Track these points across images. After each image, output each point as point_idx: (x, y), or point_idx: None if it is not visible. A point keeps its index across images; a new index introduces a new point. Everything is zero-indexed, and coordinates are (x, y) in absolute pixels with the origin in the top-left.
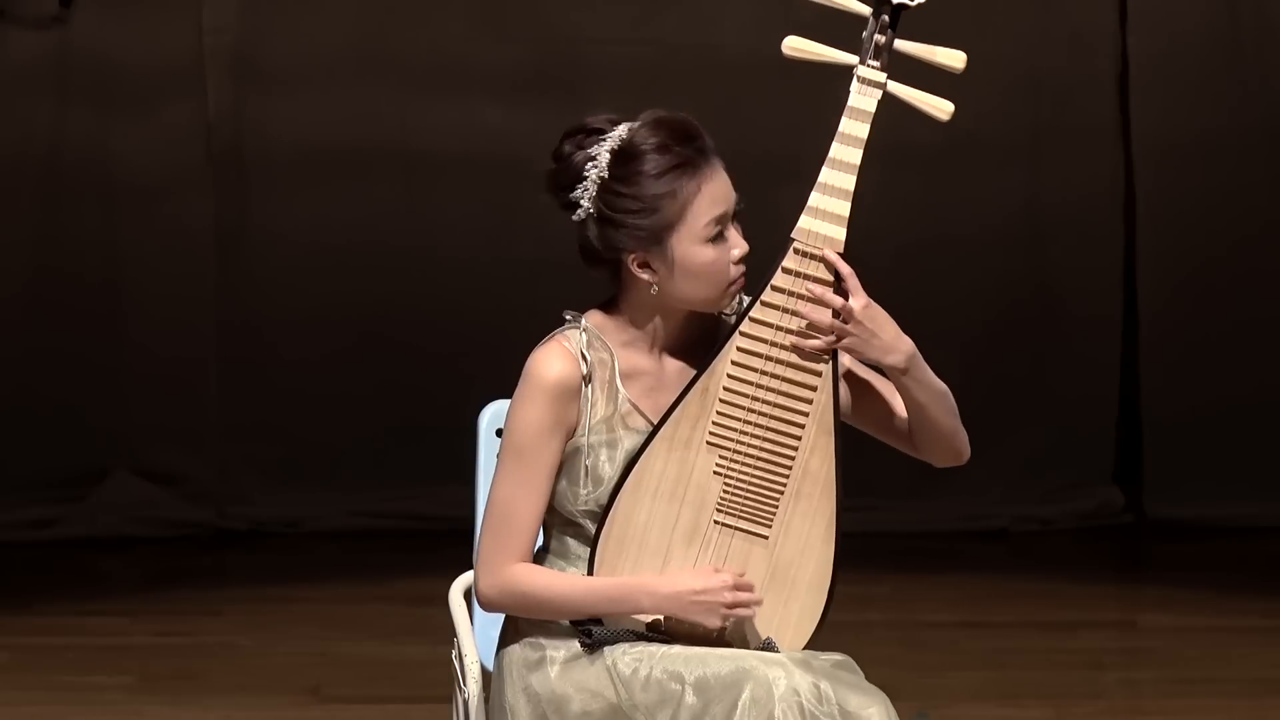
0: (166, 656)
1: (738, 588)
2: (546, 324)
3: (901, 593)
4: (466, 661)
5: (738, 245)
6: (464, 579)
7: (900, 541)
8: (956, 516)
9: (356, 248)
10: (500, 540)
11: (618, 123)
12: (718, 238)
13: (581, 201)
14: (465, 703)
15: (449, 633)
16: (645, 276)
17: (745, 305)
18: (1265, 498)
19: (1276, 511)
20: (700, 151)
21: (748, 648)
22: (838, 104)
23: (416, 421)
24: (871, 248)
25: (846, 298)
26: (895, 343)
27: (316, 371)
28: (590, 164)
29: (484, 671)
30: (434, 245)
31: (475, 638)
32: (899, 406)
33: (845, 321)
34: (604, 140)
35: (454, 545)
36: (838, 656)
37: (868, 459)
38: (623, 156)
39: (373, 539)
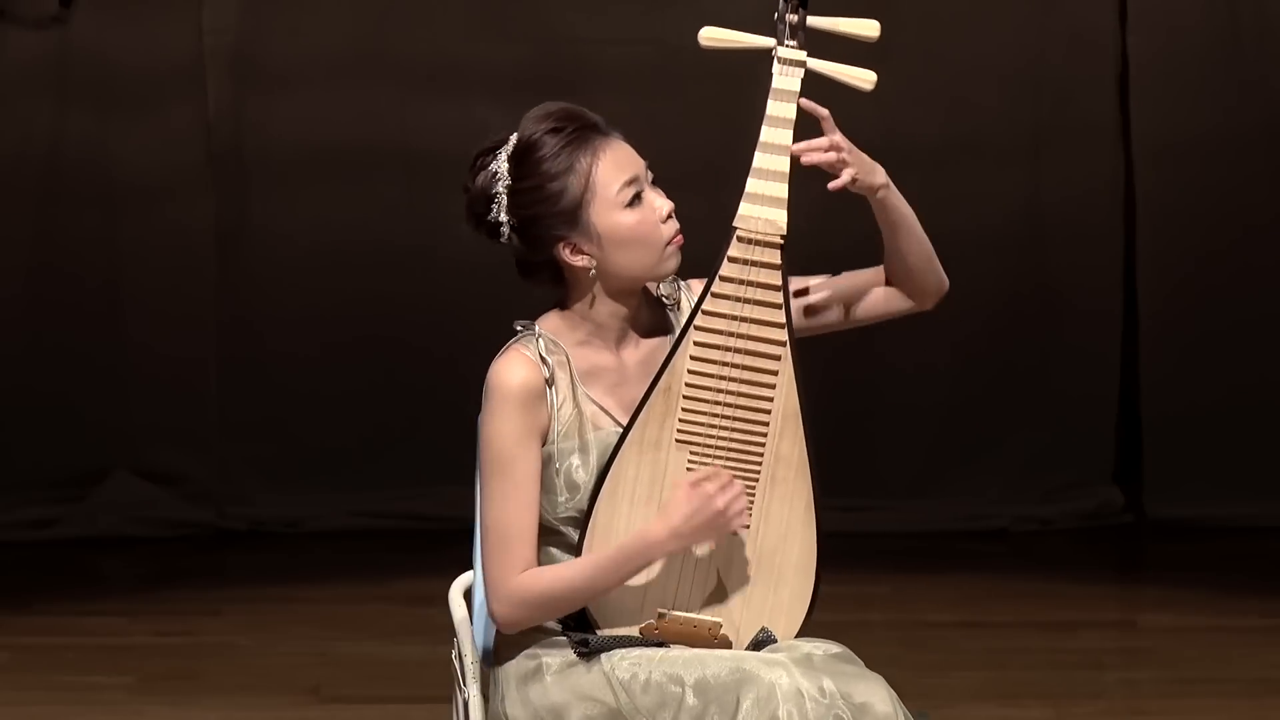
0: (166, 656)
1: (720, 486)
2: None
3: (901, 593)
4: (466, 661)
5: (662, 203)
6: (464, 579)
7: (900, 541)
8: (956, 516)
9: (356, 248)
10: (504, 558)
11: (507, 136)
12: (635, 201)
13: (500, 219)
14: (465, 703)
15: (449, 633)
16: (580, 262)
17: (696, 300)
18: (1265, 498)
19: (1276, 511)
20: (589, 126)
21: (743, 645)
22: (838, 108)
23: (417, 421)
24: (872, 247)
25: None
26: (874, 162)
27: (316, 371)
28: (494, 179)
29: (483, 671)
30: (434, 245)
31: (475, 638)
32: (868, 273)
33: (841, 151)
34: (500, 153)
35: (454, 545)
36: (835, 649)
37: (868, 459)
38: (519, 156)
39: (373, 539)
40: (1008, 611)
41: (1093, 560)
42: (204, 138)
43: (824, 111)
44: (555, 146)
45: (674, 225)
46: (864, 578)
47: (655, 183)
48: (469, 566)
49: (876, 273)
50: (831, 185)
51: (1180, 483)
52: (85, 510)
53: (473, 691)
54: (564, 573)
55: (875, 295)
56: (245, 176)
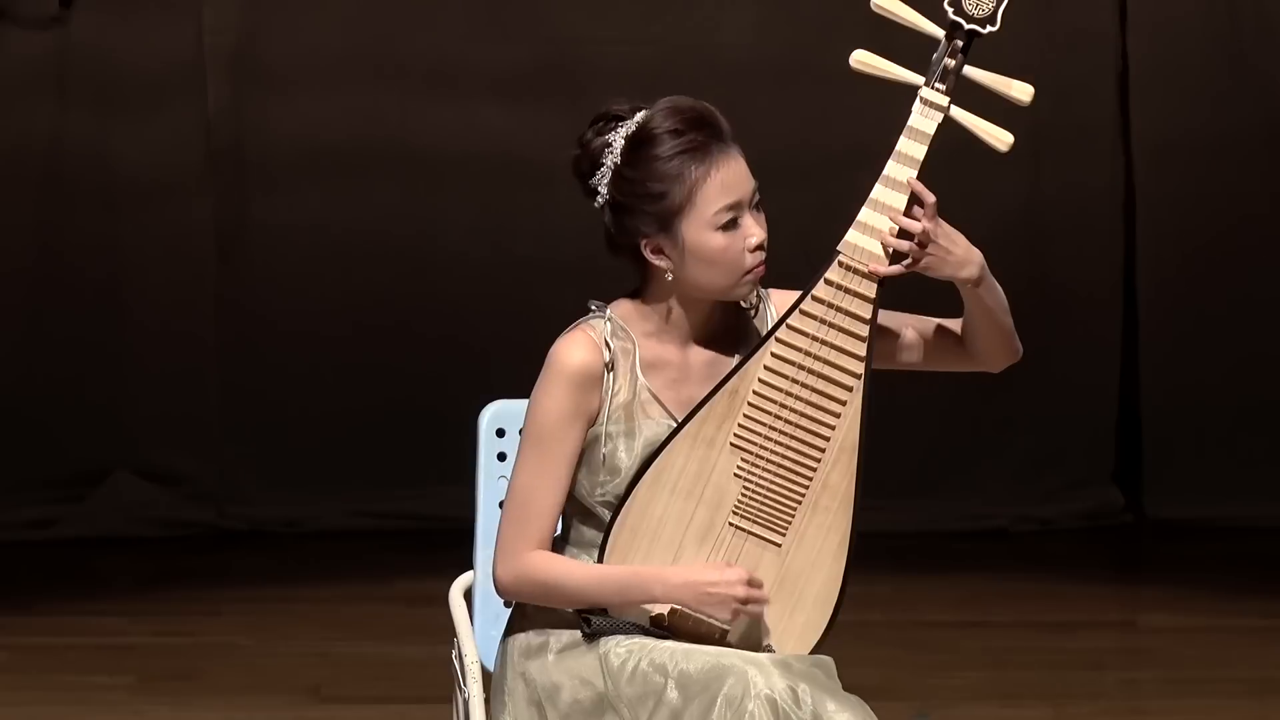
0: (166, 656)
1: (750, 584)
2: (546, 324)
3: (901, 593)
4: (466, 661)
5: (753, 233)
6: (464, 579)
7: (900, 541)
8: (956, 516)
9: (356, 248)
10: (519, 528)
11: (639, 109)
12: (730, 225)
13: (599, 188)
14: (465, 703)
15: (449, 633)
16: (659, 263)
17: (783, 313)
18: (1265, 498)
19: (1276, 511)
20: (713, 137)
21: (747, 649)
22: (841, 109)
23: (417, 422)
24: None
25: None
26: (968, 256)
27: (316, 372)
28: (606, 150)
29: (484, 671)
30: (434, 246)
31: (475, 638)
32: (952, 324)
33: (924, 245)
34: (621, 127)
35: (454, 545)
36: (823, 659)
37: (868, 459)
38: (635, 142)
39: (373, 539)
40: (1008, 611)
41: (1093, 560)
42: (204, 137)
43: (931, 198)
44: (671, 150)
45: (759, 256)
46: (864, 578)
47: (759, 205)
48: (469, 566)
49: (958, 325)
50: (888, 270)
51: (1180, 483)
52: (85, 510)
53: (473, 691)
54: (575, 571)
55: (952, 350)
56: (245, 176)
